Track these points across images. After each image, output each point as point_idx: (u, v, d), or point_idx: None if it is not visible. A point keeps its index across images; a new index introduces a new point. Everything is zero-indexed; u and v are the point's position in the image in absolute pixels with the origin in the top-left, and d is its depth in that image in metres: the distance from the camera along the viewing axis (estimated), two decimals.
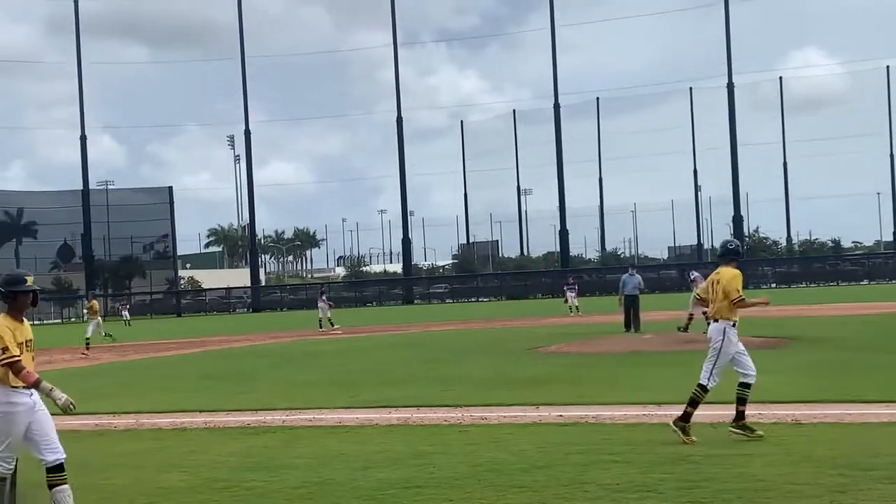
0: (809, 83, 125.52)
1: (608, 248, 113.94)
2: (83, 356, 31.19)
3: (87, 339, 33.78)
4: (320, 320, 41.94)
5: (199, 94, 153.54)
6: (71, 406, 7.16)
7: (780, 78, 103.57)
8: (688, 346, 21.80)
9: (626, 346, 23.21)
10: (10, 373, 7.00)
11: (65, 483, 7.13)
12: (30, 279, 7.38)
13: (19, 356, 7.02)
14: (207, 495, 8.50)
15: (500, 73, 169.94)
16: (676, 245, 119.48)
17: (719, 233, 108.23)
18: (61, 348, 37.75)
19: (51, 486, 7.13)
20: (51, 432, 7.20)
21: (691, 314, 27.49)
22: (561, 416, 12.21)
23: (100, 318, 36.63)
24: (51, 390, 7.18)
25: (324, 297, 43.41)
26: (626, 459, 9.14)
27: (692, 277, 28.13)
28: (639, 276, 29.49)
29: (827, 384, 14.26)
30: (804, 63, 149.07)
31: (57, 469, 7.11)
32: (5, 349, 6.97)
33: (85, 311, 34.89)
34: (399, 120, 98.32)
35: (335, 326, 40.89)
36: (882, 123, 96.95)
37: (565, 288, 48.90)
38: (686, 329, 27.22)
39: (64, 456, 7.18)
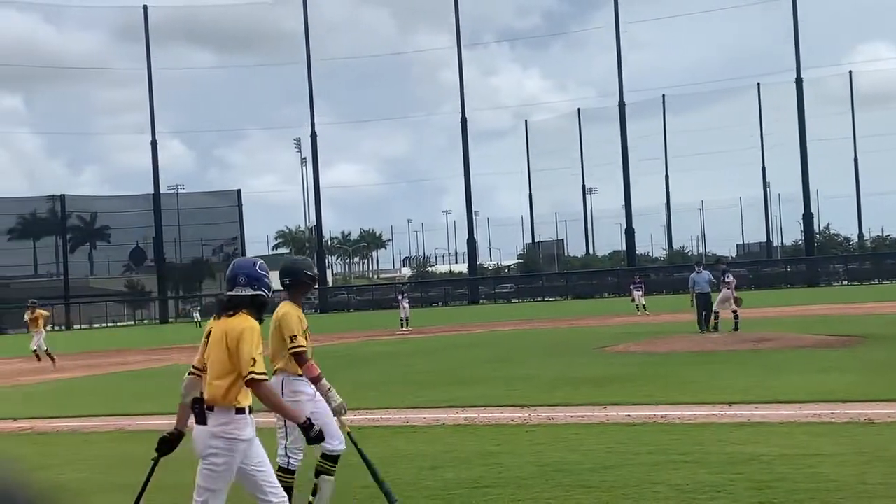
0: (879, 77, 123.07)
1: (675, 246, 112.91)
2: (47, 363, 29.21)
3: (34, 350, 29.85)
4: (402, 320, 42.18)
5: (264, 97, 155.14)
6: (344, 409, 7.24)
7: (850, 72, 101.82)
8: (758, 345, 21.54)
9: (693, 345, 23.00)
10: (295, 362, 7.23)
11: (333, 474, 7.38)
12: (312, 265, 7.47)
13: (305, 347, 7.29)
14: None
15: (563, 72, 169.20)
16: (745, 243, 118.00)
17: (789, 230, 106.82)
18: (135, 350, 38.47)
19: (319, 473, 7.38)
20: (331, 420, 7.34)
21: (717, 312, 27.23)
22: (629, 416, 12.14)
23: (44, 330, 30.19)
24: (328, 390, 7.24)
25: (407, 297, 44.20)
26: (695, 460, 9.07)
27: (727, 279, 27.61)
28: (707, 273, 28.75)
29: None
30: (872, 57, 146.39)
31: (332, 459, 7.42)
32: (294, 337, 7.18)
33: (26, 319, 31.91)
34: (463, 120, 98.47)
35: (405, 328, 41.06)
36: None
37: (632, 287, 48.56)
38: (716, 328, 26.92)
39: (343, 447, 7.45)
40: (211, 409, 5.82)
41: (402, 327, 41.40)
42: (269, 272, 6.46)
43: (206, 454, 5.80)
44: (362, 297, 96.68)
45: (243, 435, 5.76)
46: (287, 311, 7.43)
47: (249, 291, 6.13)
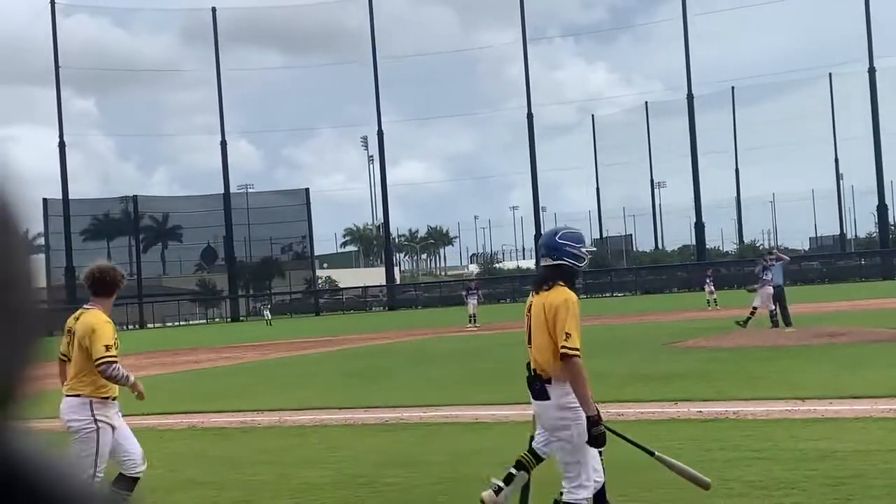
0: None
1: (746, 239, 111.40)
2: None
3: None
4: (470, 316, 42.14)
5: (330, 96, 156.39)
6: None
7: None
8: (832, 340, 21.19)
9: (764, 340, 22.68)
10: None
11: (530, 472, 7.36)
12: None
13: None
14: (349, 490, 8.69)
15: (629, 66, 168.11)
16: (818, 236, 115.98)
17: (863, 223, 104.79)
18: (206, 348, 39.05)
19: (521, 466, 7.35)
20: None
21: (755, 308, 26.72)
22: (700, 412, 12.03)
23: None
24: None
25: (479, 293, 44.22)
26: (768, 456, 8.96)
27: (765, 276, 27.00)
28: (781, 265, 27.78)
29: None
30: None
31: (538, 457, 7.38)
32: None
33: None
34: (529, 116, 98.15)
35: (473, 324, 41.03)
36: None
37: (707, 279, 48.03)
38: (745, 324, 26.42)
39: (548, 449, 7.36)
40: (549, 381, 5.99)
41: (469, 323, 41.39)
42: (580, 241, 6.43)
43: (558, 427, 5.98)
44: (430, 294, 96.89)
45: (577, 403, 5.96)
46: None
47: (550, 262, 6.23)
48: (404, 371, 21.36)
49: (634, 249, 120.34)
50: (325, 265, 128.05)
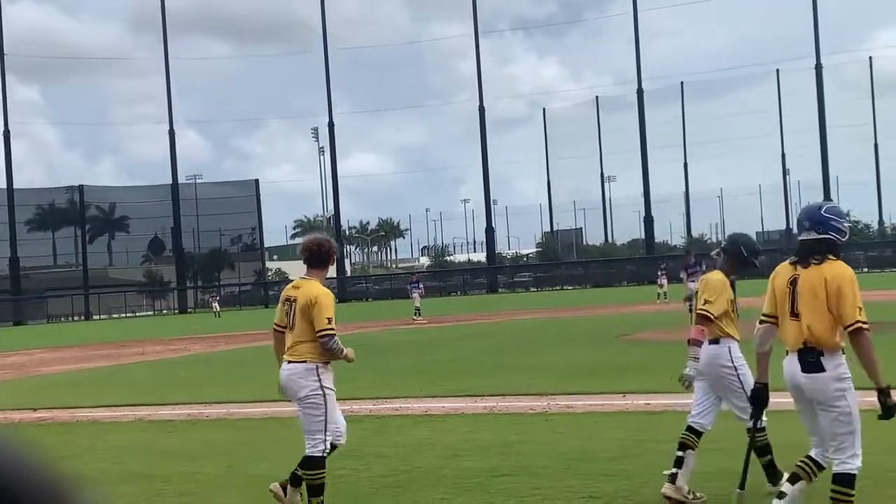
0: None
1: (694, 233, 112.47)
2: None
3: None
4: (415, 309, 41.95)
5: (280, 87, 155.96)
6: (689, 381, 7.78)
7: (870, 58, 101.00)
8: None
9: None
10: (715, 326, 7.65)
11: (695, 448, 7.64)
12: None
13: (711, 313, 7.64)
14: None
15: (579, 61, 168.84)
16: (765, 230, 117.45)
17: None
18: (153, 340, 38.64)
19: (685, 447, 7.63)
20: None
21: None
22: (648, 404, 12.10)
23: None
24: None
25: (420, 286, 44.00)
26: (717, 447, 9.02)
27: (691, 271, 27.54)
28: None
29: None
30: (890, 43, 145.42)
31: (697, 434, 7.77)
32: (707, 301, 7.59)
33: None
34: (481, 109, 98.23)
35: (419, 317, 40.88)
36: None
37: (659, 273, 48.46)
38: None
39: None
40: (822, 353, 6.06)
41: (415, 316, 41.24)
42: (842, 216, 6.42)
43: (833, 398, 6.05)
44: (381, 287, 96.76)
45: (848, 373, 6.08)
46: (720, 277, 7.84)
47: (814, 235, 6.19)
48: (354, 364, 21.24)
49: (584, 243, 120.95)
50: (274, 257, 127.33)
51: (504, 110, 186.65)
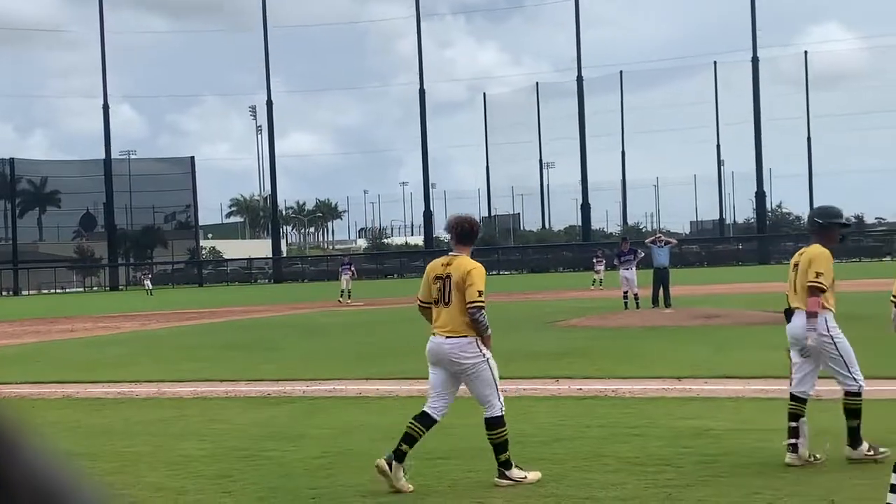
0: (832, 58, 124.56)
1: (630, 222, 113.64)
2: None
3: None
4: (343, 292, 41.63)
5: (217, 64, 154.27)
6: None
7: (806, 52, 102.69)
8: (709, 321, 21.77)
9: (646, 320, 23.17)
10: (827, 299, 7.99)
11: (804, 415, 8.01)
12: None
13: (825, 284, 8.05)
14: (227, 463, 8.56)
15: (519, 46, 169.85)
16: (699, 220, 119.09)
17: (742, 208, 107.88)
18: (83, 317, 38.07)
19: (796, 416, 8.04)
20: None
21: (635, 292, 27.38)
22: (580, 389, 12.22)
23: None
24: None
25: (352, 268, 43.58)
26: (645, 433, 9.15)
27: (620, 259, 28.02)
28: (668, 248, 27.70)
29: None
30: (824, 38, 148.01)
31: (802, 401, 8.16)
32: (818, 273, 7.97)
33: None
34: (421, 92, 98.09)
35: (347, 299, 40.54)
36: None
37: (594, 260, 48.64)
38: (637, 307, 27.21)
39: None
40: None
41: (342, 298, 40.96)
42: None
43: None
44: (317, 268, 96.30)
45: None
46: (824, 250, 8.37)
47: None
48: (288, 344, 21.18)
49: (522, 228, 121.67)
50: (209, 235, 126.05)
51: (444, 94, 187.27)
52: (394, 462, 7.40)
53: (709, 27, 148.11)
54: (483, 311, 7.69)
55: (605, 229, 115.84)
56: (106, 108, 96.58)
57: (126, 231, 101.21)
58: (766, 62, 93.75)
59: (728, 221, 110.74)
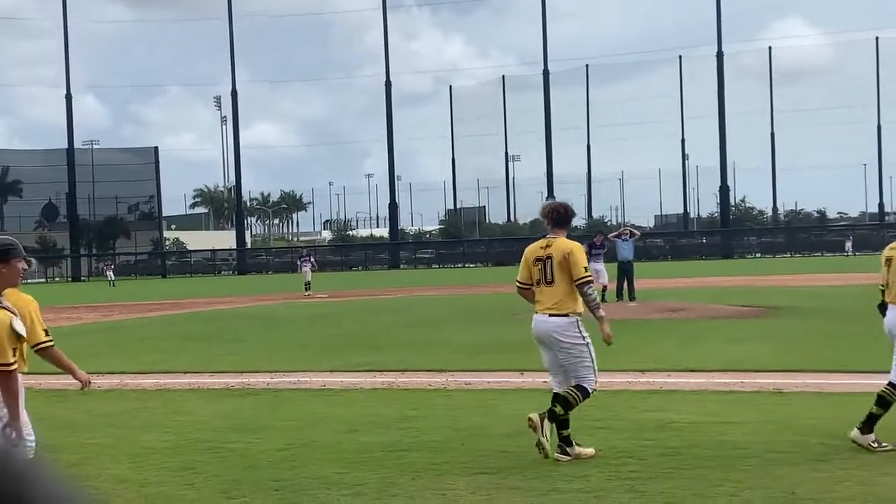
0: (796, 53, 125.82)
1: (595, 215, 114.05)
2: None
3: None
4: (307, 283, 41.47)
5: (181, 54, 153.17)
6: None
7: (770, 48, 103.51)
8: (672, 315, 21.91)
9: (611, 313, 23.14)
10: None
11: None
12: None
13: None
14: (191, 455, 8.51)
15: (485, 39, 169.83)
16: (663, 214, 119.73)
17: (706, 202, 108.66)
18: (45, 308, 37.63)
19: None
20: None
21: (605, 285, 27.33)
22: (545, 381, 12.21)
23: None
24: None
25: (312, 260, 43.29)
26: (608, 426, 9.19)
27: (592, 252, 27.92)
28: (632, 241, 27.72)
29: (809, 354, 14.35)
30: (786, 33, 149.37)
31: None
32: None
33: None
34: (387, 84, 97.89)
35: (308, 292, 40.34)
36: (869, 95, 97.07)
37: None
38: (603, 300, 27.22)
39: None
40: None
41: (306, 291, 40.78)
42: None
43: None
44: (281, 260, 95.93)
45: None
46: None
47: None
48: (252, 336, 21.08)
49: (487, 221, 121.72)
50: (172, 226, 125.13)
51: (409, 86, 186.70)
52: (546, 420, 7.88)
53: (674, 22, 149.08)
54: (591, 285, 8.27)
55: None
56: (69, 97, 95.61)
57: (88, 221, 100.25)
58: (731, 57, 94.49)
59: (692, 215, 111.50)
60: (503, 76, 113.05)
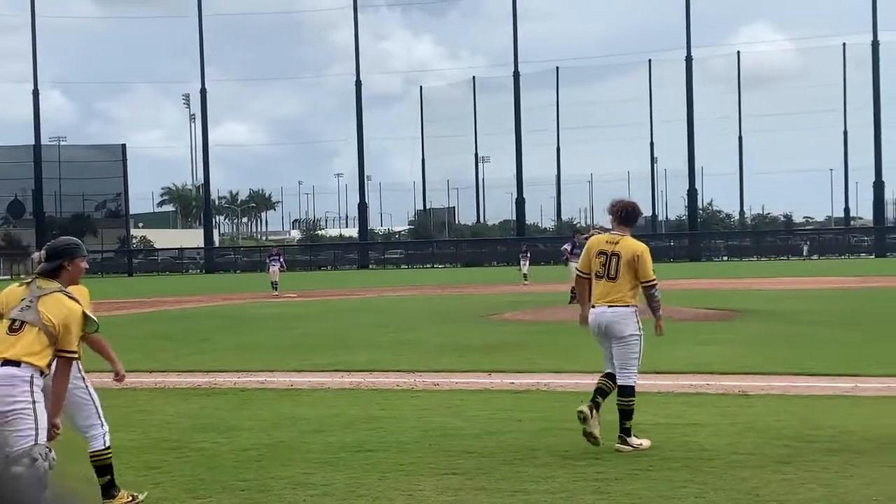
0: (763, 59, 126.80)
1: (564, 217, 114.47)
2: None
3: None
4: (274, 283, 41.20)
5: (150, 51, 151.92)
6: None
7: (738, 53, 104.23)
8: (642, 317, 22.02)
9: (578, 315, 23.32)
10: None
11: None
12: None
13: None
14: (156, 455, 8.47)
15: (456, 40, 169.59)
16: None
17: (674, 205, 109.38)
18: None
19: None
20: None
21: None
22: (513, 383, 12.29)
23: None
24: None
25: (281, 259, 43.02)
26: (576, 427, 9.22)
27: (574, 252, 28.07)
28: None
29: (774, 357, 14.47)
30: (754, 38, 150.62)
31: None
32: None
33: None
34: (358, 83, 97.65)
35: (276, 291, 40.14)
36: (836, 100, 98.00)
37: (520, 256, 49.05)
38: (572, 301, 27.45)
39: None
40: None
41: (272, 290, 40.48)
42: None
43: None
44: (249, 259, 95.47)
45: None
46: None
47: None
48: (220, 335, 20.97)
49: (457, 222, 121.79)
50: (140, 224, 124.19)
51: (380, 86, 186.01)
52: (593, 410, 8.14)
53: (644, 26, 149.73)
54: (657, 286, 8.69)
55: (540, 224, 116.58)
56: (36, 93, 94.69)
57: (55, 218, 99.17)
58: (700, 62, 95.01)
59: (660, 218, 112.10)
60: (473, 77, 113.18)
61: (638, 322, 8.53)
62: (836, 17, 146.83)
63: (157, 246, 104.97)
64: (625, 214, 8.84)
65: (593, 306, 8.64)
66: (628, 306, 8.49)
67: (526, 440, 8.70)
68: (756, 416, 9.61)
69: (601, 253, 8.61)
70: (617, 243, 8.59)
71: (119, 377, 7.48)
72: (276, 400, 11.52)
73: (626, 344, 8.45)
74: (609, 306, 8.49)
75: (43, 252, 6.37)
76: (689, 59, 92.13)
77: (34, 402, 5.74)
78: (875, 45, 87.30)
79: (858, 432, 8.65)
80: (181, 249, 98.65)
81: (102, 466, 6.87)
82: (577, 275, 8.94)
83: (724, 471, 7.42)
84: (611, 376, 8.52)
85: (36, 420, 5.75)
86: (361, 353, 16.33)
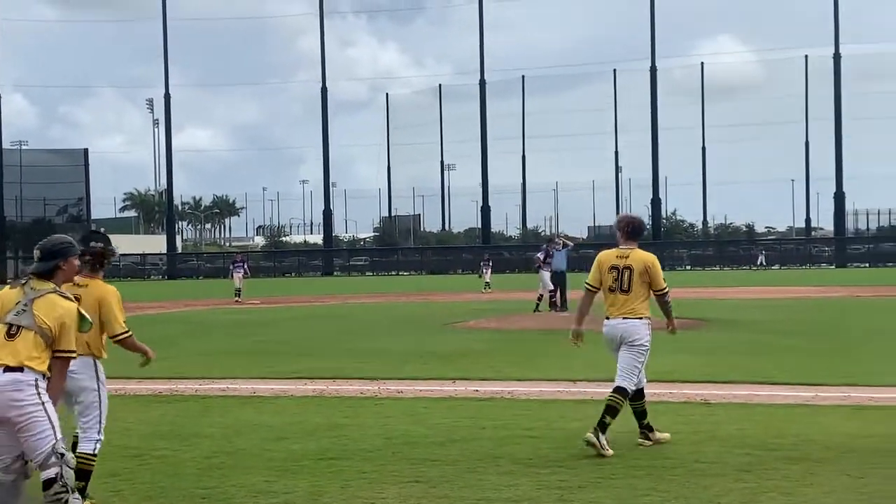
0: (727, 70, 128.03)
1: (529, 225, 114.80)
2: None
3: None
4: (237, 290, 40.90)
5: (113, 55, 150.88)
6: None
7: (702, 64, 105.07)
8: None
9: (543, 323, 23.41)
10: None
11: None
12: None
13: None
14: (117, 462, 8.38)
15: (422, 48, 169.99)
16: (596, 225, 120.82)
17: (638, 214, 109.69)
18: None
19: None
20: None
21: (552, 291, 27.69)
22: (477, 391, 12.27)
23: None
24: None
25: (245, 266, 42.70)
26: (539, 435, 9.23)
27: (547, 261, 28.25)
28: (566, 251, 27.81)
29: (736, 365, 14.55)
30: (717, 50, 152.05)
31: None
32: None
33: None
34: (323, 90, 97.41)
35: (238, 298, 39.85)
36: (798, 112, 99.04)
37: (482, 264, 49.17)
38: (537, 309, 27.63)
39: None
40: None
41: (236, 297, 40.11)
42: None
43: None
44: (213, 265, 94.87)
45: None
46: None
47: None
48: (181, 342, 20.80)
49: (422, 229, 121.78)
50: (102, 229, 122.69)
51: (345, 93, 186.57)
52: (600, 434, 8.25)
53: (609, 36, 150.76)
54: (669, 293, 9.03)
55: (505, 232, 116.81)
56: None
57: (15, 223, 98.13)
58: (664, 72, 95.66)
59: None
60: (440, 85, 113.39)
61: (650, 333, 8.76)
62: (798, 30, 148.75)
63: (118, 251, 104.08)
64: (631, 229, 9.20)
65: (607, 318, 8.90)
66: (641, 318, 8.75)
67: (489, 448, 8.68)
68: (718, 425, 9.65)
69: (613, 268, 8.89)
70: (627, 257, 8.89)
71: (147, 359, 8.33)
72: (238, 407, 11.43)
73: (636, 350, 8.69)
74: (623, 318, 8.77)
75: (36, 252, 6.41)
76: (653, 70, 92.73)
77: (43, 403, 5.75)
78: (837, 57, 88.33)
79: (819, 441, 8.71)
80: (143, 255, 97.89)
81: (82, 471, 6.78)
82: (587, 288, 9.11)
83: (687, 479, 7.44)
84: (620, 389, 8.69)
85: (49, 418, 5.76)
86: (325, 360, 16.25)
